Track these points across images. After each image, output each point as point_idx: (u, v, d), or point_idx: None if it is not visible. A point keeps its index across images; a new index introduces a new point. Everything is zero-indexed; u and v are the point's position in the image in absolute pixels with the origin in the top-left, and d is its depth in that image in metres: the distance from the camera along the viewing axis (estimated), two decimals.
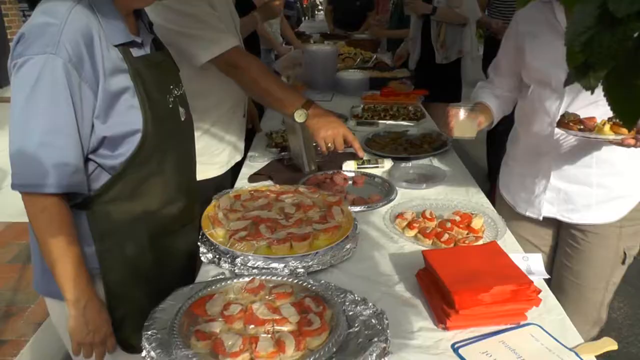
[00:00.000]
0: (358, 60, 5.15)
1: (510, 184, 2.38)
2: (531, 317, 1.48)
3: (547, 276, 1.71)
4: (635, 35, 0.40)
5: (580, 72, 0.45)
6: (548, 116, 2.10)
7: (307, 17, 14.37)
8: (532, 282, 1.48)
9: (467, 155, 6.13)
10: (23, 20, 9.86)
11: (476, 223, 1.90)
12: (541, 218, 2.24)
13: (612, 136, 1.82)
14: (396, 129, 3.12)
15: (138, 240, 1.70)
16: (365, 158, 2.53)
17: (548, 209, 2.22)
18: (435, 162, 2.63)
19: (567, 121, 1.93)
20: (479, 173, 5.54)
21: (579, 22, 0.43)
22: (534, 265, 1.74)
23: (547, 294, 1.61)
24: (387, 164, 2.54)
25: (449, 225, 1.90)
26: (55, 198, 1.49)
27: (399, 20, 5.81)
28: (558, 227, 2.32)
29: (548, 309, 1.54)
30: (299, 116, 2.16)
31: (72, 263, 1.54)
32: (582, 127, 1.89)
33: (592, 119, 1.89)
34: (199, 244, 1.75)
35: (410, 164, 2.57)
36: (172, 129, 1.73)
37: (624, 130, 1.81)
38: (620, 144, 1.82)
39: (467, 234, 1.86)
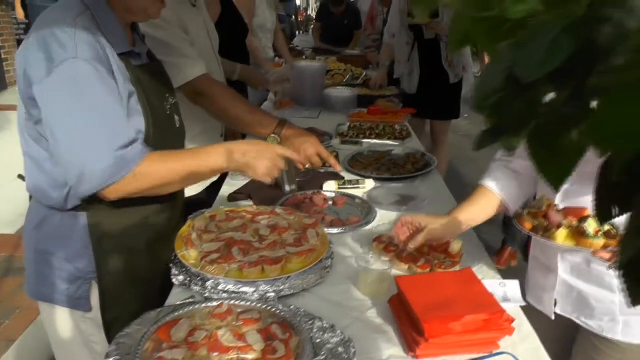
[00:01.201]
0: (347, 77, 5.14)
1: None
2: (505, 345, 1.46)
3: (524, 303, 1.68)
4: (548, 98, 0.39)
5: (496, 134, 0.43)
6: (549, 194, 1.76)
7: (301, 31, 14.38)
8: (504, 311, 1.46)
9: (462, 176, 6.13)
10: (16, 27, 9.86)
11: (454, 248, 1.87)
12: (553, 317, 1.83)
13: (566, 246, 1.54)
14: (380, 148, 3.11)
15: (135, 245, 1.75)
16: (346, 178, 2.51)
17: (562, 306, 1.80)
18: (418, 184, 2.61)
19: (530, 212, 1.67)
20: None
21: (488, 83, 0.42)
22: (510, 292, 1.72)
23: (522, 322, 1.59)
24: (369, 184, 2.52)
25: (426, 249, 1.88)
26: (144, 157, 1.56)
27: None
28: (576, 329, 1.83)
29: (522, 338, 1.52)
30: (272, 141, 2.15)
31: (194, 153, 1.72)
32: (539, 224, 1.62)
33: (580, 210, 1.59)
34: (170, 265, 1.73)
35: (392, 185, 2.56)
36: (169, 134, 1.81)
37: (587, 242, 1.50)
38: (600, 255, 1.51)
39: (444, 258, 1.84)
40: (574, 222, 1.55)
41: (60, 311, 1.76)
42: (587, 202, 1.60)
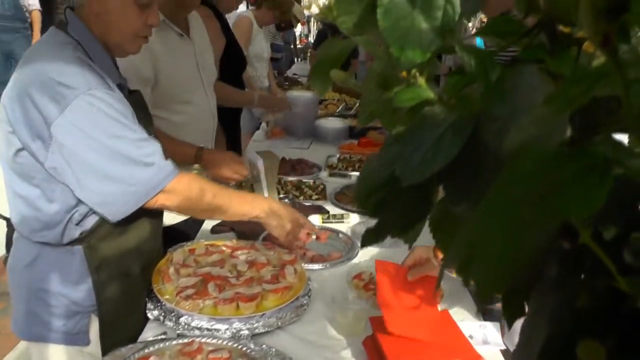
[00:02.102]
0: (341, 107, 5.16)
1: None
2: None
3: (504, 347, 1.67)
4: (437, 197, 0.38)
5: (382, 231, 0.43)
6: None
7: (299, 59, 14.44)
8: (480, 356, 1.45)
9: None
10: None
11: None
12: None
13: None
14: None
15: (131, 270, 1.74)
16: (331, 212, 2.50)
17: None
18: None
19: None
20: None
21: (370, 178, 0.41)
22: (490, 334, 1.70)
23: None
24: (354, 218, 2.52)
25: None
26: (177, 177, 1.62)
27: None
28: None
29: None
30: (197, 172, 2.18)
31: (236, 195, 1.83)
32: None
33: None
34: (146, 299, 1.71)
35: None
36: None
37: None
38: None
39: None
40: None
41: (55, 349, 1.71)
42: None
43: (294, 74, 8.04)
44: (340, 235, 2.35)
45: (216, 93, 2.97)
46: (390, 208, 0.41)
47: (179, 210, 1.75)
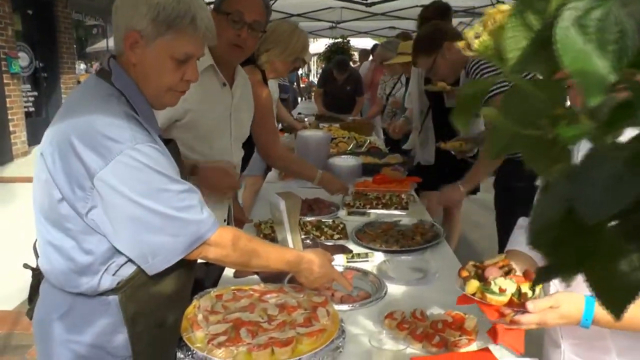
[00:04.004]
0: (352, 145, 5.16)
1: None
2: None
3: None
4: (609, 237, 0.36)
5: (555, 270, 0.40)
6: None
7: (304, 98, 14.57)
8: None
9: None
10: (24, 100, 10.02)
11: (469, 324, 1.81)
12: None
13: (469, 295, 1.59)
14: (387, 218, 3.07)
15: (165, 321, 1.69)
16: (355, 251, 2.46)
17: None
18: (428, 256, 2.56)
19: (475, 263, 1.70)
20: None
21: (544, 216, 0.38)
22: None
23: None
24: (378, 257, 2.47)
25: (440, 326, 1.82)
26: (219, 229, 1.63)
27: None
28: None
29: None
30: None
31: (274, 249, 1.86)
32: (474, 274, 1.64)
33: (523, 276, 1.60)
34: (176, 349, 1.66)
35: (401, 257, 2.51)
36: None
37: (487, 297, 1.53)
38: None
39: (460, 335, 1.77)
40: (497, 279, 1.56)
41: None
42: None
43: (299, 114, 8.08)
44: (366, 274, 2.31)
45: (281, 156, 3.11)
46: (564, 247, 0.38)
47: (217, 261, 1.75)
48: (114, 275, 1.59)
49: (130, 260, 1.58)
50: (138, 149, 1.48)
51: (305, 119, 7.13)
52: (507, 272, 1.61)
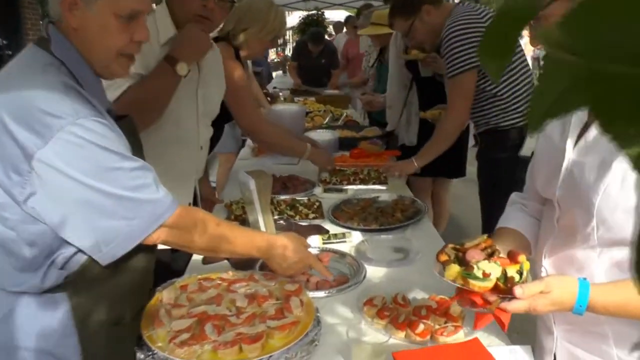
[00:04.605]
0: (328, 118, 4.99)
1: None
2: None
3: None
4: None
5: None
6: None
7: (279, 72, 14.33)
8: None
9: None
10: None
11: (455, 309, 1.68)
12: None
13: (449, 281, 1.42)
14: (366, 194, 2.92)
15: (122, 319, 1.55)
16: (331, 232, 2.32)
17: None
18: (409, 234, 2.42)
19: (455, 246, 1.54)
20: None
21: None
22: (522, 359, 1.53)
23: None
24: (356, 237, 2.33)
25: (424, 312, 1.69)
26: (174, 213, 1.48)
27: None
28: None
29: None
30: None
31: (241, 232, 1.74)
32: (454, 258, 1.49)
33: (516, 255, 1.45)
34: (135, 348, 1.51)
35: (381, 236, 2.37)
36: None
37: (468, 282, 1.37)
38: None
39: (445, 322, 1.65)
40: (479, 262, 1.41)
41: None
42: (571, 255, 1.50)
43: (275, 88, 7.90)
44: (344, 256, 2.16)
45: (267, 132, 2.98)
46: None
47: (180, 246, 1.60)
48: (61, 269, 1.41)
49: (79, 250, 1.41)
50: (81, 123, 1.31)
51: (280, 93, 6.96)
52: (491, 254, 1.46)
